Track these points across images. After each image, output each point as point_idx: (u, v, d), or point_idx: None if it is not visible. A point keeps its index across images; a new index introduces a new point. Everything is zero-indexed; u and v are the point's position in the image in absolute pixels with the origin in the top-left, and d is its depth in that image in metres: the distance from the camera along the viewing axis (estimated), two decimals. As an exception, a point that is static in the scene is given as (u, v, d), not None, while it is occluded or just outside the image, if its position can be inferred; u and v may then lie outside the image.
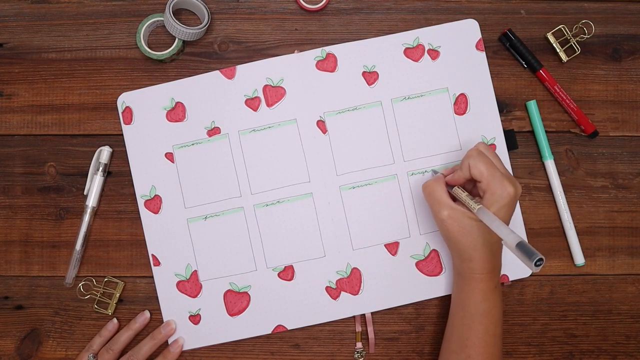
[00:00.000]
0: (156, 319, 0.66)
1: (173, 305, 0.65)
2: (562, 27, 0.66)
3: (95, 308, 0.65)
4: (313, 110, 0.65)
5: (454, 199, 0.58)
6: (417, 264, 0.65)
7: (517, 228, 0.65)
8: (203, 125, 0.65)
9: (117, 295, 0.65)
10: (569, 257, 0.66)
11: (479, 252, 0.56)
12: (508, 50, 0.67)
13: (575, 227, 0.66)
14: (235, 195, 0.65)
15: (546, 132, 0.66)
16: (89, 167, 0.66)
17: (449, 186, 0.59)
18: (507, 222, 0.56)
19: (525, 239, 0.65)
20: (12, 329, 0.66)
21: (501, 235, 0.50)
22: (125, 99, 0.66)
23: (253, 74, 0.66)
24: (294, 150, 0.65)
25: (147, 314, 0.64)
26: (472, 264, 0.57)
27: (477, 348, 0.57)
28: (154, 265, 0.65)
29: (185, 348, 0.65)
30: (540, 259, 0.46)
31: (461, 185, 0.59)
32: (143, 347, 0.63)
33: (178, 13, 0.67)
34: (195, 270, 0.65)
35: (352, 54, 0.66)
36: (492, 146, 0.66)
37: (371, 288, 0.65)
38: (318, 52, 0.66)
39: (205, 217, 0.65)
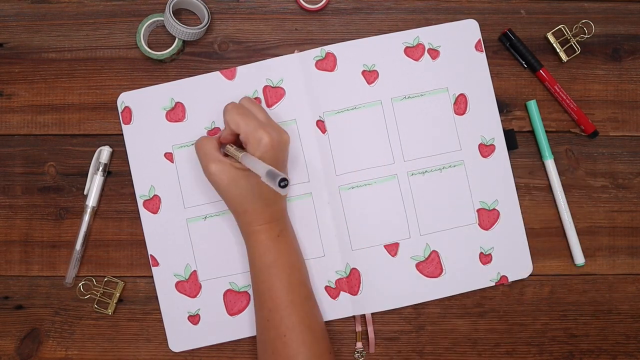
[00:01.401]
0: (156, 319, 0.66)
1: (172, 305, 0.65)
2: (562, 27, 0.66)
3: (95, 308, 0.65)
4: (312, 110, 0.65)
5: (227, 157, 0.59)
6: (417, 265, 0.65)
7: (517, 228, 0.65)
8: (203, 125, 0.65)
9: (117, 295, 0.65)
10: (569, 257, 0.66)
11: (251, 203, 0.57)
12: (508, 50, 0.67)
13: (575, 227, 0.66)
14: (235, 195, 0.65)
15: (546, 132, 0.66)
16: (89, 167, 0.66)
17: (223, 146, 0.60)
18: (277, 168, 0.56)
19: (526, 240, 0.65)
20: (12, 329, 0.66)
21: (254, 169, 0.52)
22: (125, 99, 0.66)
23: (253, 75, 0.66)
24: (294, 150, 0.65)
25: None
26: (247, 217, 0.58)
27: (274, 299, 0.57)
28: (153, 265, 0.65)
29: (185, 348, 0.65)
30: (284, 179, 0.48)
31: (232, 142, 0.59)
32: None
33: (178, 13, 0.67)
34: (195, 271, 0.65)
35: (352, 53, 0.66)
36: (492, 146, 0.66)
37: (371, 288, 0.65)
38: (317, 52, 0.66)
39: (205, 217, 0.65)
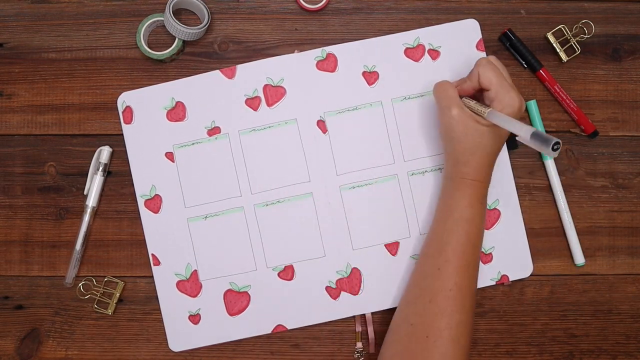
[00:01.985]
0: (156, 319, 0.65)
1: (173, 305, 0.65)
2: (562, 27, 0.66)
3: (95, 308, 0.65)
4: (313, 110, 0.65)
5: None
6: (417, 264, 0.65)
7: (518, 227, 0.65)
8: (203, 124, 0.65)
9: (117, 295, 0.65)
10: (569, 257, 0.66)
11: (476, 157, 0.57)
12: (508, 50, 0.67)
13: (575, 227, 0.66)
14: (235, 195, 0.65)
15: (546, 132, 0.66)
16: (89, 167, 0.66)
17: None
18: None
19: (526, 240, 0.65)
20: (12, 329, 0.66)
21: (514, 130, 0.52)
22: (126, 99, 0.66)
23: (253, 74, 0.66)
24: (294, 150, 0.65)
25: None
26: (466, 168, 0.58)
27: (456, 253, 0.57)
28: (154, 264, 0.65)
29: (185, 348, 0.65)
30: (557, 142, 0.48)
31: (469, 96, 0.60)
32: None
33: (178, 13, 0.67)
34: (195, 270, 0.65)
35: (353, 54, 0.66)
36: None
37: (371, 288, 0.65)
38: (318, 52, 0.66)
39: (206, 217, 0.65)
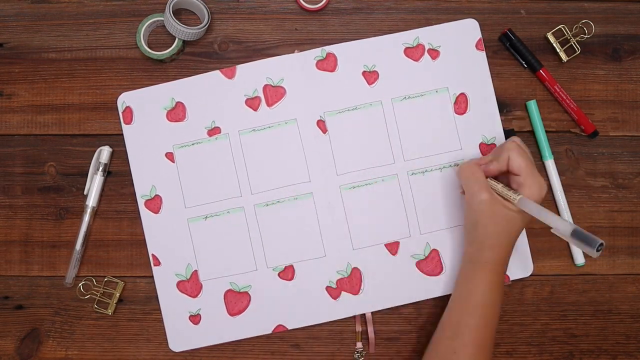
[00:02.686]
0: (156, 319, 0.65)
1: (173, 305, 0.65)
2: (562, 27, 0.66)
3: (95, 308, 0.65)
4: (313, 110, 0.65)
5: None
6: (417, 264, 0.65)
7: (517, 228, 0.65)
8: (203, 125, 0.65)
9: (117, 295, 0.65)
10: (569, 257, 0.66)
11: (501, 242, 0.57)
12: (508, 50, 0.67)
13: (575, 227, 0.66)
14: (235, 195, 0.65)
15: (546, 132, 0.66)
16: (89, 167, 0.66)
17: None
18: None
19: (526, 240, 0.65)
20: (12, 329, 0.66)
21: (552, 223, 0.52)
22: (126, 99, 0.66)
23: (253, 74, 0.66)
24: (294, 150, 0.65)
25: None
26: (490, 253, 0.58)
27: (473, 337, 0.57)
28: (154, 265, 0.65)
29: (185, 348, 0.65)
30: (601, 244, 0.47)
31: (493, 177, 0.60)
32: None
33: (178, 13, 0.67)
34: (196, 270, 0.65)
35: (352, 54, 0.66)
36: (492, 146, 0.66)
37: (371, 288, 0.65)
38: (318, 52, 0.66)
39: (206, 217, 0.65)
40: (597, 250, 0.48)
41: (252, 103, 0.65)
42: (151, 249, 0.65)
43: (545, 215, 0.53)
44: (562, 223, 0.51)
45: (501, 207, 0.56)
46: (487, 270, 0.58)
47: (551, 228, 0.52)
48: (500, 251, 0.58)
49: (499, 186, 0.58)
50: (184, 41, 0.66)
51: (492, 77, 0.66)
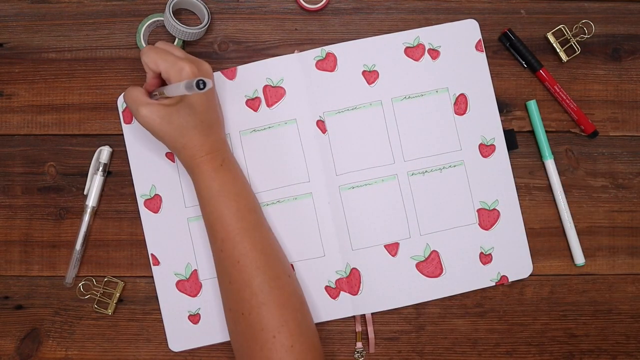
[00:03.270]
0: (156, 319, 0.66)
1: (173, 304, 0.65)
2: (562, 27, 0.66)
3: (95, 308, 0.65)
4: (313, 110, 0.65)
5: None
6: (417, 265, 0.65)
7: (518, 228, 0.65)
8: (203, 125, 0.65)
9: (117, 295, 0.65)
10: (569, 257, 0.66)
11: (188, 136, 0.57)
12: (508, 50, 0.67)
13: (575, 227, 0.66)
14: (235, 195, 0.65)
15: (546, 132, 0.66)
16: (89, 167, 0.66)
17: (150, 93, 0.60)
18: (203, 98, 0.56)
19: (526, 240, 0.65)
20: (12, 329, 0.66)
21: (176, 92, 0.52)
22: (125, 99, 0.66)
23: (253, 75, 0.66)
24: (294, 150, 0.65)
25: None
26: (187, 151, 0.58)
27: (225, 228, 0.57)
28: (154, 264, 0.65)
29: (185, 348, 0.65)
30: (200, 80, 0.47)
31: (158, 86, 0.59)
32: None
33: (178, 13, 0.67)
34: (195, 270, 0.65)
35: (352, 53, 0.66)
36: (492, 146, 0.66)
37: (371, 288, 0.65)
38: (318, 52, 0.66)
39: (205, 217, 0.65)
40: (200, 88, 0.47)
41: (253, 104, 0.65)
42: (151, 249, 0.65)
43: (174, 88, 0.52)
44: (179, 85, 0.50)
45: (163, 108, 0.56)
46: (198, 166, 0.58)
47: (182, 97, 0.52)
48: (195, 144, 0.57)
49: (157, 91, 0.58)
50: (184, 41, 0.66)
51: (492, 77, 0.66)
